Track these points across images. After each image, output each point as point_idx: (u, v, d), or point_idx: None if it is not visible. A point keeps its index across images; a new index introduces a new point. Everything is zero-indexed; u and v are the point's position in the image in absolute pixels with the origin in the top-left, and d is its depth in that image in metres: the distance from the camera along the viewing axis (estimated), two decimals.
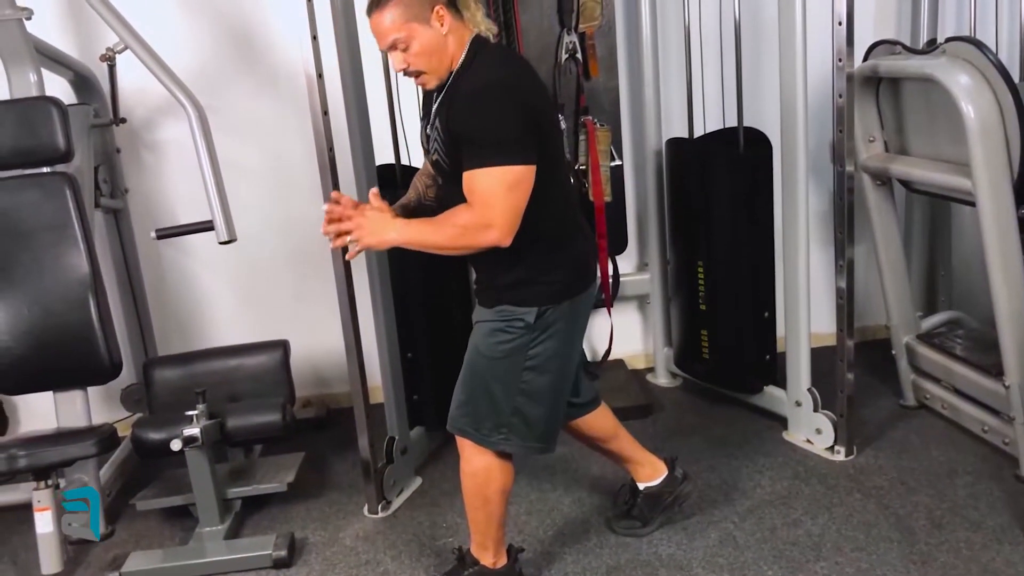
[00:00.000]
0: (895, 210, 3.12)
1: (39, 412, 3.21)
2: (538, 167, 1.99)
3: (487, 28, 2.14)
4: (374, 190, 2.16)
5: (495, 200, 1.96)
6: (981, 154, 2.47)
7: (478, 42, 2.08)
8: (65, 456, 2.54)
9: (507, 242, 1.99)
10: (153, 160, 3.49)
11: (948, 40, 2.63)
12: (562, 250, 2.16)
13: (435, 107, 2.10)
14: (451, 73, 2.06)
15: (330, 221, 2.13)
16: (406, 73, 2.07)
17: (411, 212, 2.32)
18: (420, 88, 2.19)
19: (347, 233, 2.09)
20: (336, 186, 2.63)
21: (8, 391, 2.96)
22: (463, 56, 2.06)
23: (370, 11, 2.03)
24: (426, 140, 2.18)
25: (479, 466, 2.25)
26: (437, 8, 2.01)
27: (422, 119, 2.25)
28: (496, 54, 2.12)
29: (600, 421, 2.55)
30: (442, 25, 2.02)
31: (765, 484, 2.84)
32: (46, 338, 2.71)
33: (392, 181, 2.98)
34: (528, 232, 2.03)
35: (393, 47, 2.02)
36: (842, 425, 2.91)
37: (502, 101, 1.98)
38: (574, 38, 3.18)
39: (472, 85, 2.01)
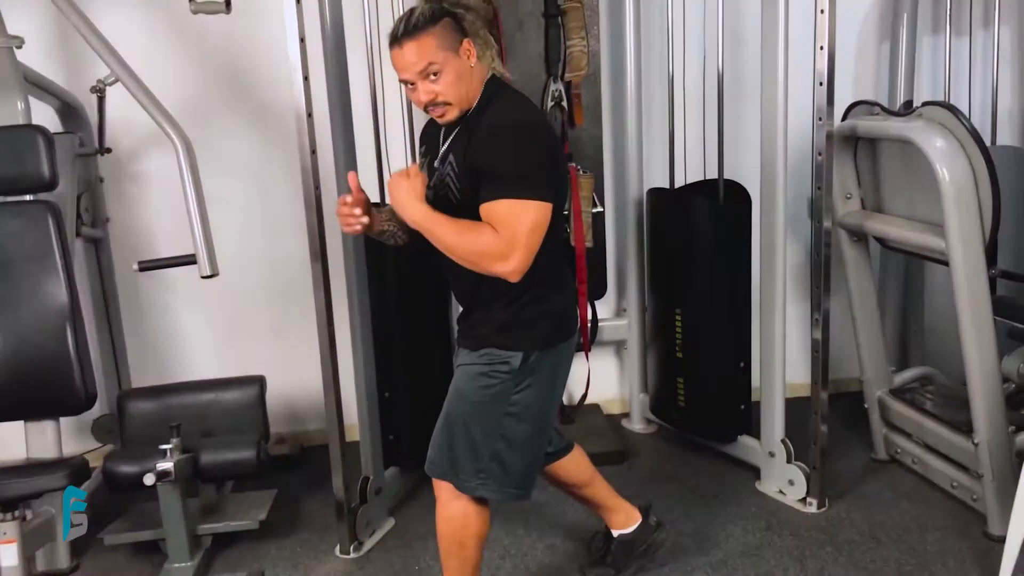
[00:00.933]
0: (870, 266, 3.18)
1: (4, 440, 3.16)
2: None
3: (500, 70, 2.18)
4: (417, 165, 2.12)
5: (520, 232, 1.96)
6: (955, 216, 2.53)
7: (495, 82, 2.14)
8: (35, 488, 2.50)
9: (517, 277, 2.00)
10: (136, 191, 3.49)
11: (925, 104, 2.71)
12: (553, 296, 2.18)
13: (448, 143, 2.13)
14: (467, 110, 2.10)
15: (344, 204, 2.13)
16: (429, 105, 2.06)
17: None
18: (408, 125, 2.17)
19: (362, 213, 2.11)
20: (322, 225, 2.64)
21: None
22: (480, 94, 2.10)
23: (401, 39, 2.02)
24: (430, 176, 2.18)
25: (456, 511, 2.24)
26: (465, 42, 2.06)
27: (423, 155, 2.27)
28: (517, 96, 2.15)
29: (576, 467, 2.55)
30: (469, 58, 2.07)
31: (738, 534, 2.85)
32: (21, 367, 2.68)
33: None
34: (526, 276, 2.05)
35: (424, 76, 2.02)
36: (815, 477, 2.93)
37: (531, 141, 2.03)
38: (560, 86, 3.23)
39: (498, 121, 2.05)
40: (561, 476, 2.55)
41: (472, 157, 2.04)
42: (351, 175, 2.17)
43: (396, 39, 2.03)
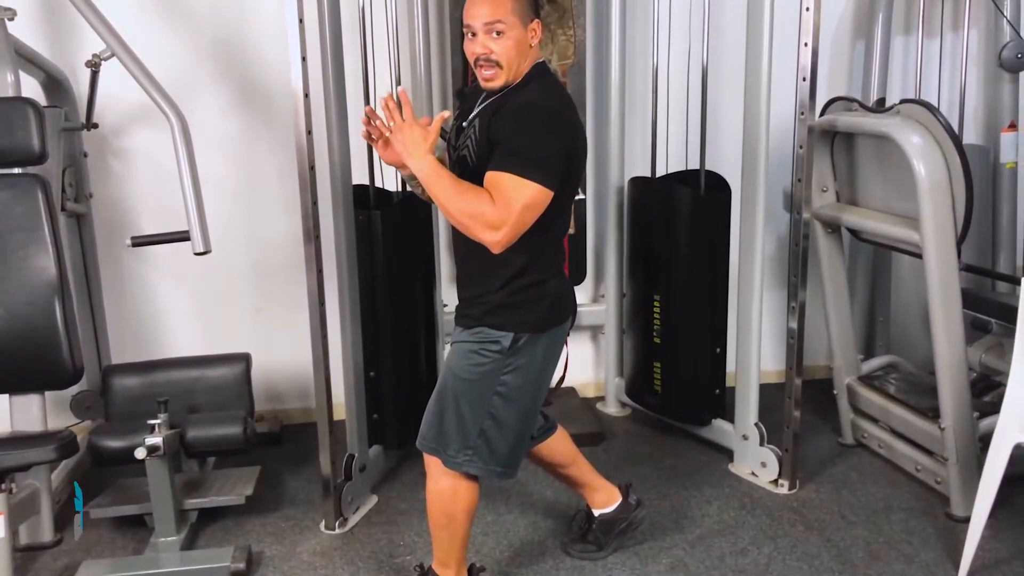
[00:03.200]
0: (843, 257, 3.29)
1: None
2: (554, 202, 2.07)
3: (553, 65, 2.22)
4: (447, 113, 2.13)
5: (516, 210, 2.00)
6: (930, 210, 2.63)
7: (542, 66, 2.19)
8: (24, 460, 2.51)
9: (499, 249, 2.05)
10: (120, 167, 3.48)
11: (903, 101, 2.81)
12: (549, 281, 2.23)
13: (479, 107, 2.17)
14: (511, 83, 2.14)
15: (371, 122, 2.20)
16: (480, 60, 2.10)
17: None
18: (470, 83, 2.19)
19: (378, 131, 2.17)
20: (315, 206, 2.66)
21: None
22: (525, 73, 2.14)
23: None
24: (456, 135, 2.24)
25: (445, 485, 2.30)
26: (537, 21, 2.13)
27: (456, 117, 2.31)
28: (556, 84, 2.23)
29: (560, 447, 2.62)
30: (533, 37, 2.13)
31: (713, 514, 2.94)
32: (8, 340, 2.68)
33: (365, 202, 3.03)
34: (525, 258, 2.12)
35: (489, 30, 2.07)
36: (787, 460, 3.04)
37: (555, 127, 2.08)
38: None
39: (531, 100, 2.09)
40: (545, 456, 2.61)
41: (495, 127, 2.08)
42: (402, 92, 2.12)
43: None
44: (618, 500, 2.70)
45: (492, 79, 2.13)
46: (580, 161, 2.21)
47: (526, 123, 2.06)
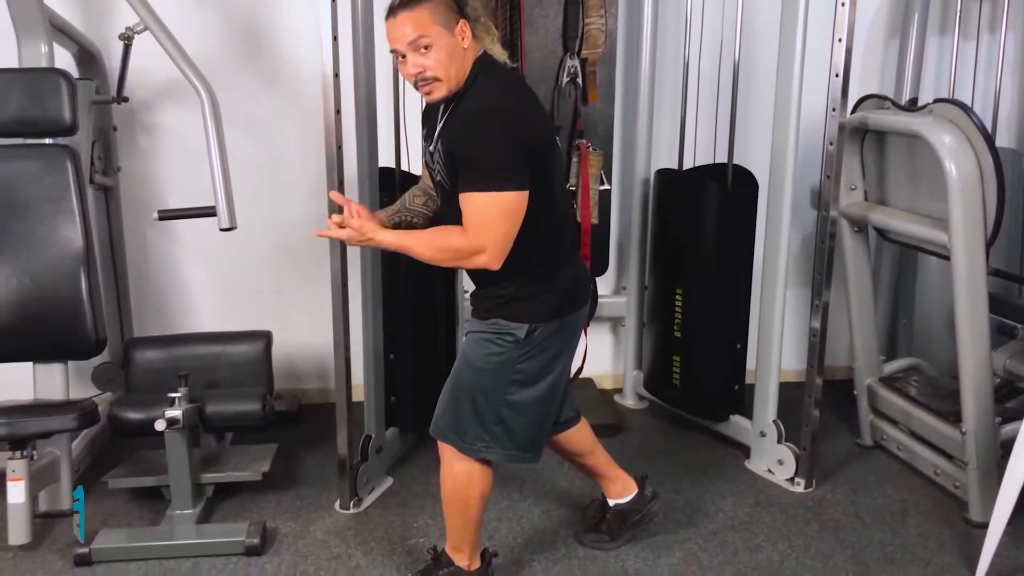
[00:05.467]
0: (869, 257, 3.26)
1: (8, 383, 3.18)
2: (535, 193, 2.05)
3: (499, 55, 2.20)
4: (333, 193, 2.25)
5: (490, 224, 2.02)
6: (960, 211, 2.60)
7: (482, 63, 2.13)
8: (46, 428, 2.54)
9: (496, 266, 2.06)
10: (148, 142, 3.49)
11: (936, 101, 2.77)
12: (557, 273, 2.23)
13: (439, 128, 2.15)
14: (456, 90, 2.10)
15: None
16: (418, 80, 2.07)
17: (395, 221, 2.37)
18: (423, 103, 2.23)
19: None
20: (341, 186, 2.66)
21: None
22: (467, 76, 2.10)
23: (397, 9, 2.04)
24: (430, 159, 2.23)
25: (459, 471, 2.30)
26: (461, 22, 2.07)
27: (424, 138, 2.29)
28: (498, 78, 2.14)
29: (579, 436, 2.62)
30: (463, 39, 2.08)
31: (728, 509, 2.93)
32: (34, 309, 2.71)
33: (391, 184, 3.03)
34: (525, 255, 2.10)
35: (415, 48, 2.03)
36: (804, 458, 3.02)
37: (498, 127, 2.02)
38: (576, 63, 3.27)
39: (471, 108, 2.07)
40: (564, 444, 2.61)
41: (452, 147, 2.07)
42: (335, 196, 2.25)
43: (392, 10, 2.06)
44: (634, 491, 2.70)
45: (434, 92, 2.09)
46: (544, 147, 2.15)
47: (476, 135, 2.02)
